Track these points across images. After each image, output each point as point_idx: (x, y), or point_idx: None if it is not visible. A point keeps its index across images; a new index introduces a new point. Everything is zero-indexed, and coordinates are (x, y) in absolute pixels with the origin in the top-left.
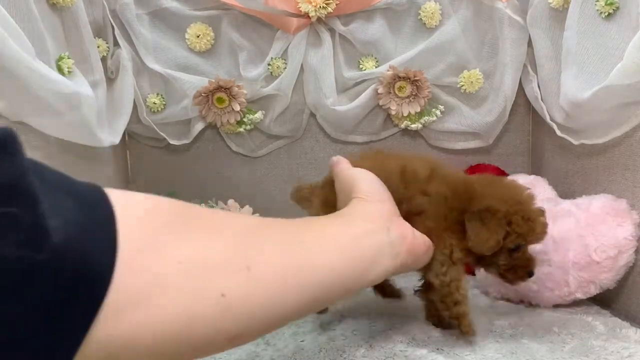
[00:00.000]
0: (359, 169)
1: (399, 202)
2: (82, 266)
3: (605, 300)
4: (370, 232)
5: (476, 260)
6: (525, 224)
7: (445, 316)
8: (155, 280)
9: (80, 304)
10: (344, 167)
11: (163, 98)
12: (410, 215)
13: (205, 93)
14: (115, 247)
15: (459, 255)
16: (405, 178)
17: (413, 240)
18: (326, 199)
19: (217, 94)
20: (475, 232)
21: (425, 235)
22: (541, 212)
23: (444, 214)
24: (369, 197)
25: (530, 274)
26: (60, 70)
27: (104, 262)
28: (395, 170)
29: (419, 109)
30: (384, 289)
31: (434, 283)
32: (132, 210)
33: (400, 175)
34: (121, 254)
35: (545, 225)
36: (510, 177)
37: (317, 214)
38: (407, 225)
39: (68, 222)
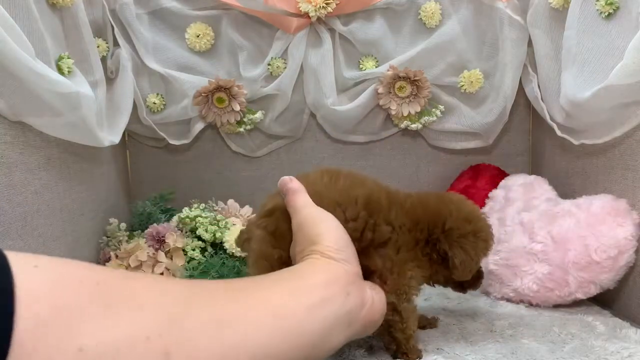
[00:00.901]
0: (323, 212)
1: (363, 230)
2: None
3: (605, 300)
4: (327, 301)
5: (442, 281)
6: (490, 240)
7: (391, 349)
8: None
9: None
10: (303, 202)
11: (163, 98)
12: (373, 244)
13: (205, 93)
14: (11, 328)
15: (415, 292)
16: (370, 207)
17: (371, 308)
18: (277, 228)
19: (217, 94)
20: (460, 261)
21: (383, 299)
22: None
23: (410, 243)
24: (334, 255)
25: (481, 282)
26: (60, 70)
27: None
28: (360, 201)
29: (419, 109)
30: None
31: (391, 320)
32: (36, 281)
33: (365, 204)
34: (17, 336)
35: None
36: (510, 177)
37: (260, 248)
38: (367, 289)
39: None
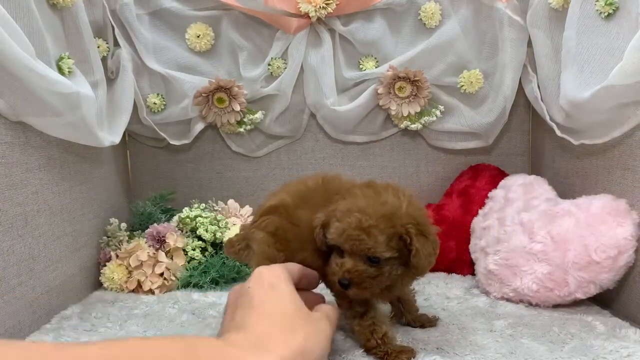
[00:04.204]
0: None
1: None
2: None
3: (605, 300)
4: None
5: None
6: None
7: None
8: None
9: None
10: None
11: (163, 98)
12: None
13: (205, 93)
14: None
15: (358, 307)
16: None
17: None
18: (277, 228)
19: (217, 94)
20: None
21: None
22: None
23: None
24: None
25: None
26: (60, 70)
27: None
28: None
29: (419, 109)
30: (417, 319)
31: (354, 330)
32: None
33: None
34: None
35: None
36: (509, 177)
37: (263, 250)
38: None
39: None
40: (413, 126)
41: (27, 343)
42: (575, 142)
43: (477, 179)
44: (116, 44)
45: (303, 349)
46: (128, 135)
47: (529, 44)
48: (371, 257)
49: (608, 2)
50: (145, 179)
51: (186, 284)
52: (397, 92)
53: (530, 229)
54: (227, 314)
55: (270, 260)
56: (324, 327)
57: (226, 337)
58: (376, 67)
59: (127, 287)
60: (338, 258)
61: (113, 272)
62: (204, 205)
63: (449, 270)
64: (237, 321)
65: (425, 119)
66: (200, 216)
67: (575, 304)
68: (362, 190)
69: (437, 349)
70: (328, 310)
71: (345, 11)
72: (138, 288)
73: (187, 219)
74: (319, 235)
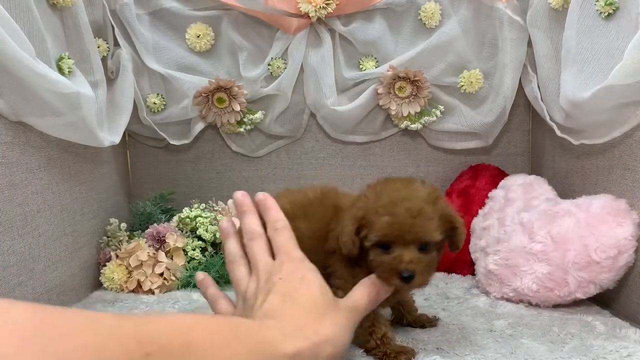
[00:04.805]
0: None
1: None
2: None
3: (605, 300)
4: None
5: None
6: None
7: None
8: None
9: None
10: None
11: (163, 98)
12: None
13: (205, 93)
14: None
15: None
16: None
17: None
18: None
19: (217, 94)
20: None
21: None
22: None
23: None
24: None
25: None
26: (60, 70)
27: None
28: None
29: (419, 109)
30: (417, 319)
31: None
32: None
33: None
34: None
35: None
36: (509, 177)
37: None
38: None
39: None
40: (413, 126)
41: (90, 313)
42: (575, 142)
43: (477, 179)
44: (116, 44)
45: (331, 336)
46: (128, 135)
47: (529, 44)
48: (421, 244)
49: (608, 2)
50: (145, 179)
51: (186, 284)
52: (397, 92)
53: (530, 229)
54: (256, 297)
55: None
56: (348, 315)
57: (262, 321)
58: (376, 67)
59: (127, 287)
60: (383, 255)
61: (113, 272)
62: (204, 205)
63: (449, 270)
64: (270, 308)
65: (425, 119)
66: (200, 216)
67: (575, 304)
68: (390, 185)
69: (437, 349)
70: (358, 300)
71: (345, 11)
72: (138, 288)
73: (187, 219)
74: (348, 241)
